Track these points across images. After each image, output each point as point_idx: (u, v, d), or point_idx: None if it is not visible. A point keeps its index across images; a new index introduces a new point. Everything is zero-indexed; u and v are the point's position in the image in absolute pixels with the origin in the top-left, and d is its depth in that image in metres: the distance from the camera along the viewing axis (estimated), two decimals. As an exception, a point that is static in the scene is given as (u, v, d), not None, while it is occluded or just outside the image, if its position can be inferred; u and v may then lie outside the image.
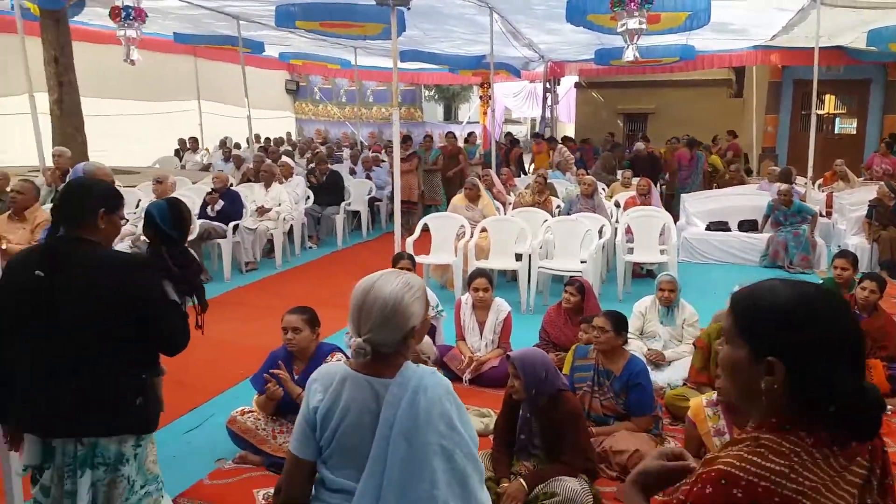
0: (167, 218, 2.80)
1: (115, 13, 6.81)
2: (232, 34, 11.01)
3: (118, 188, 2.24)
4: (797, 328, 1.07)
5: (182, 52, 13.90)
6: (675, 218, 8.35)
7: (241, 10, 9.88)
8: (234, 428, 3.46)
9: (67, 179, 2.22)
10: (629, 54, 6.64)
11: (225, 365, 4.75)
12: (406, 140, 10.79)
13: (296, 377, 3.46)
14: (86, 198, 2.24)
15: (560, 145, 12.42)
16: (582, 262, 6.35)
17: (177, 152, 14.17)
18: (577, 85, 18.43)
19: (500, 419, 3.36)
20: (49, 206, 6.43)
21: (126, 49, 7.13)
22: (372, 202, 10.81)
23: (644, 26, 6.22)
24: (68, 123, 9.21)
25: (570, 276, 5.51)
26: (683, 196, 9.73)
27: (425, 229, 7.09)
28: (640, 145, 11.59)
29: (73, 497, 2.22)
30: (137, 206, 7.47)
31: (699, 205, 9.27)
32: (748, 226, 8.66)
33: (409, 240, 6.78)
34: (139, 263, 2.41)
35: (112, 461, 2.26)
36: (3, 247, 4.98)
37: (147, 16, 7.01)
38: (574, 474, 3.03)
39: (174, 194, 6.73)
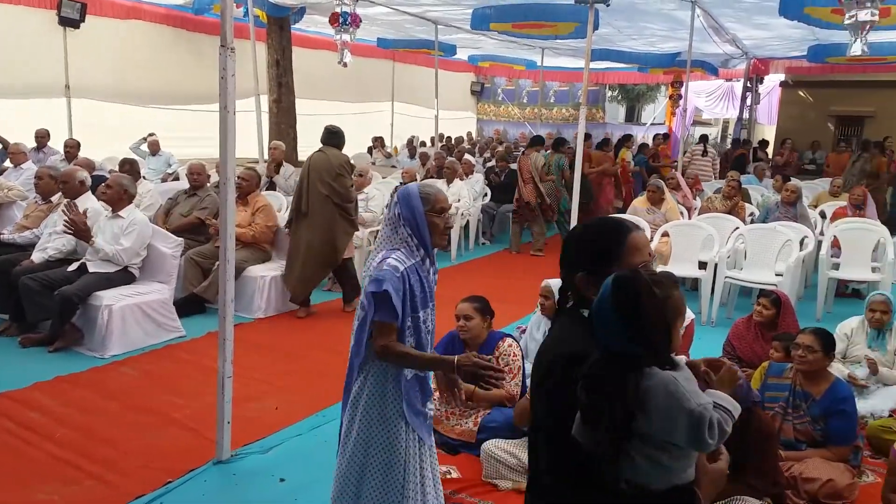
0: (602, 309, 1.42)
1: (334, 19, 7.53)
2: (429, 38, 11.62)
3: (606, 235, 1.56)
4: None
5: (382, 57, 14.97)
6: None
7: (441, 15, 10.39)
8: (413, 404, 3.67)
9: (394, 199, 2.37)
10: (857, 49, 5.98)
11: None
12: (539, 143, 9.89)
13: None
14: (565, 256, 1.62)
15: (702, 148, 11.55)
16: (777, 275, 5.86)
17: (369, 150, 15.24)
18: (782, 84, 16.90)
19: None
20: (266, 192, 7.29)
21: (341, 52, 7.84)
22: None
23: (875, 18, 5.58)
24: (283, 121, 10.33)
25: (765, 288, 5.10)
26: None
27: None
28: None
29: None
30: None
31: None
32: None
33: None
34: (549, 363, 1.51)
35: None
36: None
37: (361, 21, 7.65)
38: (758, 496, 2.85)
39: (370, 186, 7.28)
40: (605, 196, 10.25)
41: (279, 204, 7.12)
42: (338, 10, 7.37)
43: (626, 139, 11.96)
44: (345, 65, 8.01)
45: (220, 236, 3.23)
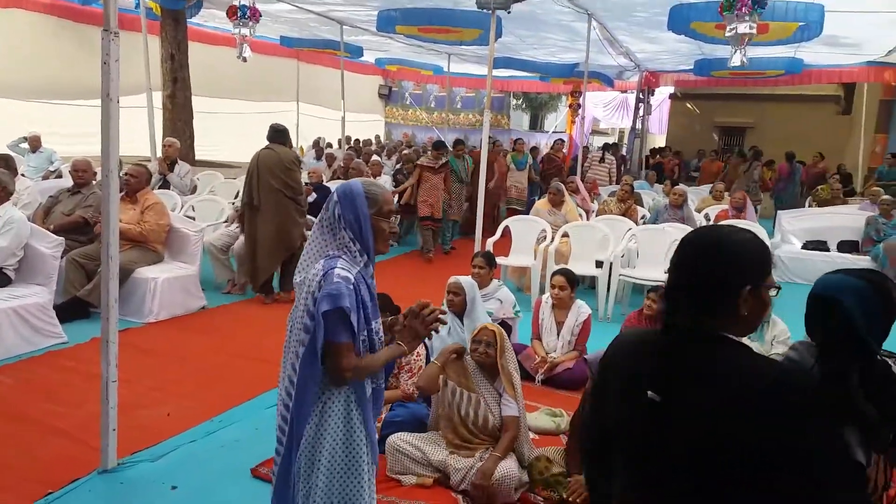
0: (873, 310, 1.55)
1: (231, 12, 7.31)
2: (334, 38, 11.49)
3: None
4: None
5: (286, 56, 14.67)
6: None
7: (346, 16, 10.29)
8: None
9: (332, 198, 2.05)
10: (736, 60, 6.45)
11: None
12: (439, 147, 9.03)
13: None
14: (726, 270, 1.31)
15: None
16: (665, 273, 6.19)
17: (274, 150, 14.88)
18: (672, 96, 17.97)
19: (576, 416, 3.37)
20: (158, 191, 6.95)
21: (240, 46, 7.63)
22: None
23: (754, 31, 6.05)
24: (178, 117, 9.90)
25: (655, 284, 5.38)
26: (780, 213, 9.33)
27: (506, 232, 7.15)
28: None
29: None
30: (237, 196, 7.92)
31: (796, 223, 8.83)
32: (848, 247, 8.18)
33: (490, 240, 6.84)
34: (804, 390, 1.25)
35: None
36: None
37: (261, 15, 7.47)
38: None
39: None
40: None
41: (172, 203, 6.81)
42: (236, 2, 7.16)
43: (515, 142, 12.34)
44: (244, 59, 7.80)
45: (103, 232, 3.05)
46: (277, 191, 5.91)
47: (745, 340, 4.06)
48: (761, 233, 6.95)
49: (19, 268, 4.66)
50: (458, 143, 9.81)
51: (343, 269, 1.96)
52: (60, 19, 10.90)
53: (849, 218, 8.74)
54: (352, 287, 1.94)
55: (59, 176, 8.31)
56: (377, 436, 2.10)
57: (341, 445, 2.03)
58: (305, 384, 1.99)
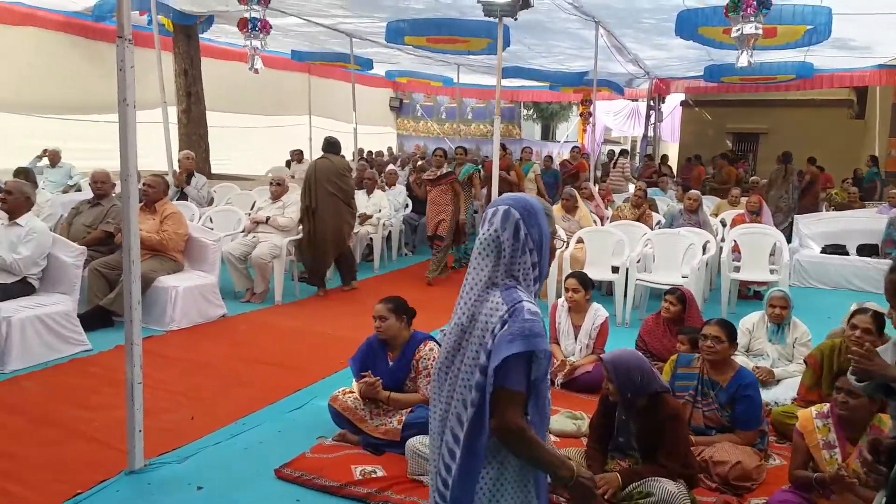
0: None
1: (242, 24, 7.42)
2: (344, 51, 11.61)
3: None
4: None
5: (297, 70, 14.83)
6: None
7: (354, 28, 10.40)
8: (336, 405, 3.63)
9: (513, 215, 1.72)
10: (743, 60, 6.44)
11: (327, 354, 5.00)
12: (437, 152, 8.22)
13: (390, 364, 3.62)
14: None
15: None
16: (683, 277, 6.19)
17: (287, 163, 15.01)
18: (683, 103, 17.94)
19: (595, 417, 3.35)
20: (176, 202, 7.04)
21: (251, 58, 7.73)
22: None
23: (760, 31, 6.02)
24: (193, 131, 10.03)
25: (671, 287, 5.34)
26: (797, 217, 9.26)
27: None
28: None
29: None
30: (252, 206, 8.00)
31: (814, 226, 8.79)
32: (868, 250, 8.11)
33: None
34: None
35: None
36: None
37: (271, 27, 7.58)
38: (671, 477, 2.97)
39: (287, 194, 7.15)
40: None
41: (190, 214, 6.89)
42: (246, 15, 7.29)
43: (522, 151, 12.36)
44: (256, 71, 7.89)
45: (123, 235, 3.11)
46: (332, 195, 6.68)
47: (766, 344, 3.96)
48: (779, 237, 6.96)
49: (43, 277, 4.74)
50: (457, 149, 9.29)
51: (530, 302, 1.64)
52: (74, 37, 11.09)
53: (866, 221, 8.69)
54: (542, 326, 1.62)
55: (79, 190, 8.43)
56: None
57: None
58: (471, 460, 1.65)
